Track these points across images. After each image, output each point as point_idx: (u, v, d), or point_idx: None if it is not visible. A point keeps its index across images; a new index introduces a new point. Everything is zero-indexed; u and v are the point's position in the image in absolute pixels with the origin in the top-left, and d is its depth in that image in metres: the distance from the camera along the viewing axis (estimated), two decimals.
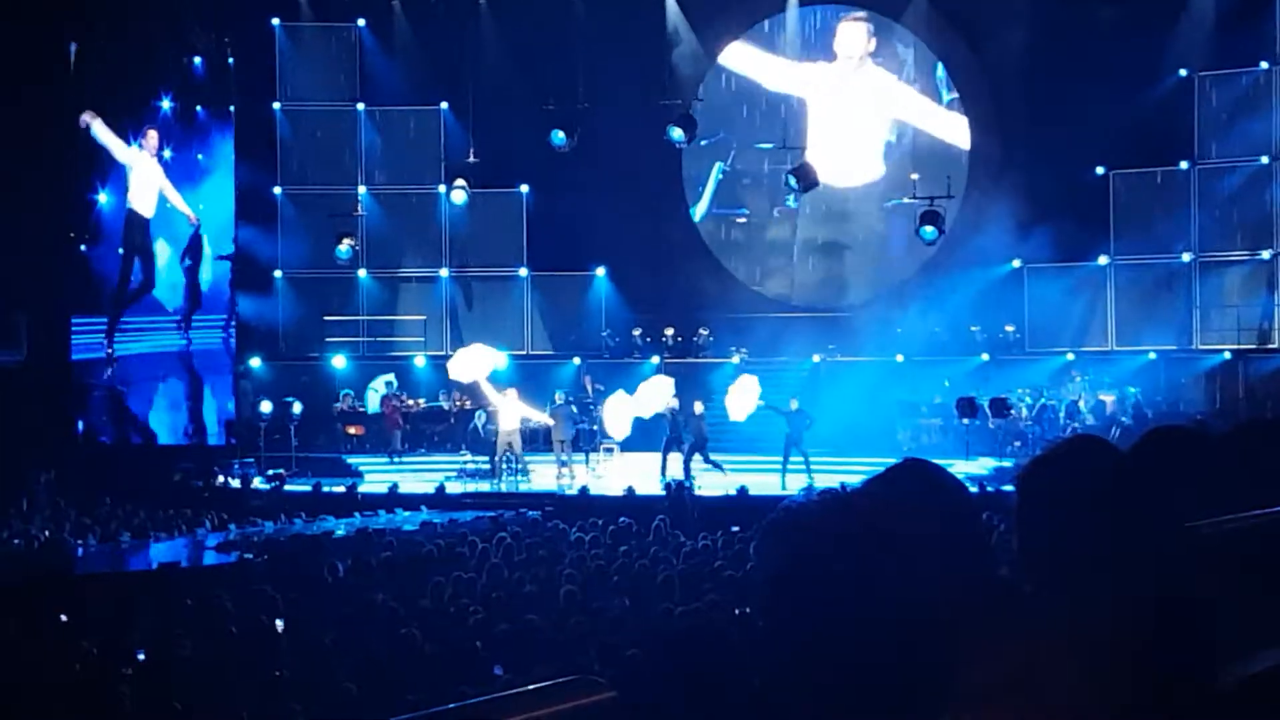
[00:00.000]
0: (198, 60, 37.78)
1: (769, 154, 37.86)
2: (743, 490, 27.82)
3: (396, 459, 33.95)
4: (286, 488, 30.91)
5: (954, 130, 37.36)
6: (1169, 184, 35.23)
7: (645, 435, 33.01)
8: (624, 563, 18.35)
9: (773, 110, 37.90)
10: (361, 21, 37.88)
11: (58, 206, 36.67)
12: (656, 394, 32.23)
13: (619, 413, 32.54)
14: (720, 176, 38.80)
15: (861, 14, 37.73)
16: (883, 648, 2.58)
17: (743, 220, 38.90)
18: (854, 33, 37.68)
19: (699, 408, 31.86)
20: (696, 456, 31.04)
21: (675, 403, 32.07)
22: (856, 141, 37.68)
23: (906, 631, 2.58)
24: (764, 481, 29.17)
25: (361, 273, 37.75)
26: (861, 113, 37.56)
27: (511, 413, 31.86)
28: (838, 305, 37.74)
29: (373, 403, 35.94)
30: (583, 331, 37.71)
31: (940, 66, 37.66)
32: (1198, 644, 2.70)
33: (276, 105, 37.80)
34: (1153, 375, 34.60)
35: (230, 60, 37.62)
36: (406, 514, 28.08)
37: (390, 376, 35.64)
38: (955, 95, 37.48)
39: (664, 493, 27.67)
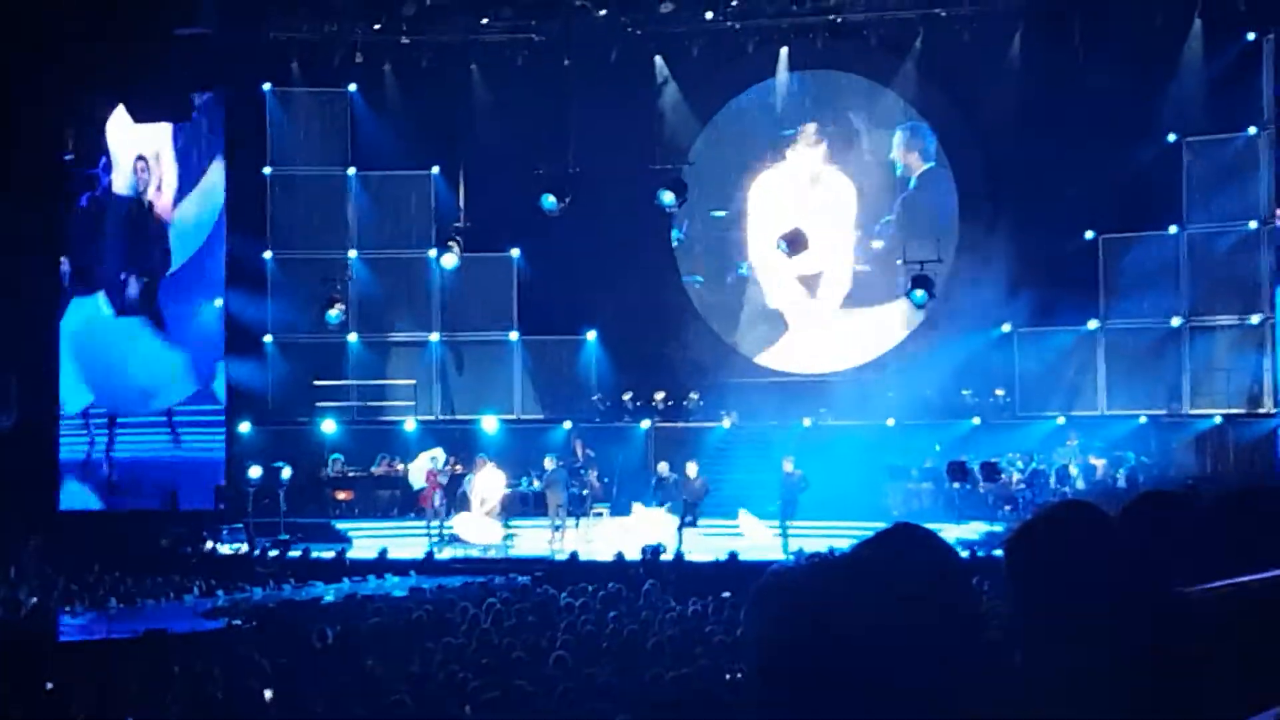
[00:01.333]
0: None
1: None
2: (733, 555, 27.73)
3: (442, 525, 33.18)
4: (273, 554, 30.78)
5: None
6: (1158, 248, 35.30)
7: (638, 500, 32.98)
8: (614, 628, 18.26)
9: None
10: (353, 86, 38.03)
11: (49, 269, 36.64)
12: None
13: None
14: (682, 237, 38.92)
15: (812, 132, 37.87)
16: (872, 712, 2.55)
17: (698, 287, 38.86)
18: (809, 153, 37.84)
19: (692, 470, 31.82)
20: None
21: (664, 467, 32.04)
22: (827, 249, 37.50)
23: (896, 696, 2.55)
24: (754, 546, 29.09)
25: (352, 337, 37.76)
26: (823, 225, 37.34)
27: (488, 484, 31.92)
28: (828, 369, 37.74)
29: (417, 477, 34.44)
30: (573, 395, 37.70)
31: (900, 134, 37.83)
32: (1187, 710, 2.67)
33: (267, 170, 37.90)
34: (1143, 439, 34.58)
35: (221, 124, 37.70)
36: (396, 579, 27.98)
37: (438, 451, 34.56)
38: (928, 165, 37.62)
39: (641, 557, 27.56)
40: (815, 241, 34.64)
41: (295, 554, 30.57)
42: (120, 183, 38.32)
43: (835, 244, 37.48)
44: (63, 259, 37.80)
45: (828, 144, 38.03)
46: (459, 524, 32.30)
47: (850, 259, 37.93)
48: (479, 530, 31.96)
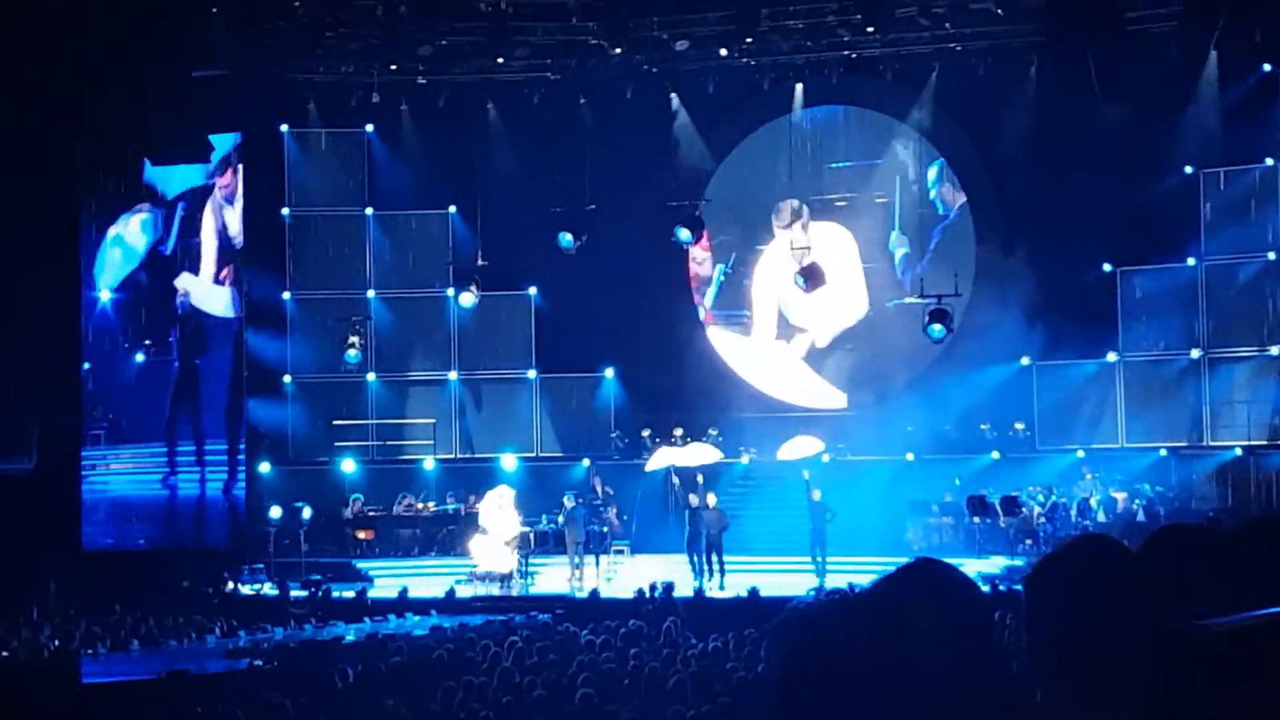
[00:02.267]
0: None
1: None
2: (754, 591, 27.69)
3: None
4: (302, 594, 30.74)
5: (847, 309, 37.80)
6: (1176, 280, 35.24)
7: (657, 537, 32.98)
8: (635, 665, 18.24)
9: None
10: (370, 127, 38.16)
11: (70, 313, 36.76)
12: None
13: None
14: (722, 279, 38.89)
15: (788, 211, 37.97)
16: None
17: (746, 321, 38.92)
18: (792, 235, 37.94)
19: (712, 500, 31.78)
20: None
21: (694, 500, 32.00)
22: (839, 293, 37.53)
23: None
24: (776, 582, 29.03)
25: (370, 376, 37.81)
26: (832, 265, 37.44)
27: (502, 519, 31.89)
28: (847, 404, 37.70)
29: (491, 521, 32.84)
30: (591, 432, 37.68)
31: (935, 169, 37.81)
32: None
33: (285, 210, 38.02)
34: (1164, 472, 34.48)
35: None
36: (416, 618, 27.96)
37: (505, 489, 33.45)
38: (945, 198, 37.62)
39: (648, 594, 27.44)
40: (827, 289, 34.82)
41: (330, 596, 30.50)
42: None
43: (842, 293, 37.53)
44: None
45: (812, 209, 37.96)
46: (474, 548, 32.22)
47: (862, 296, 37.90)
48: (494, 558, 31.86)
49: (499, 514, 32.23)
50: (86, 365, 37.60)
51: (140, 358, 37.93)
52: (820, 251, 36.71)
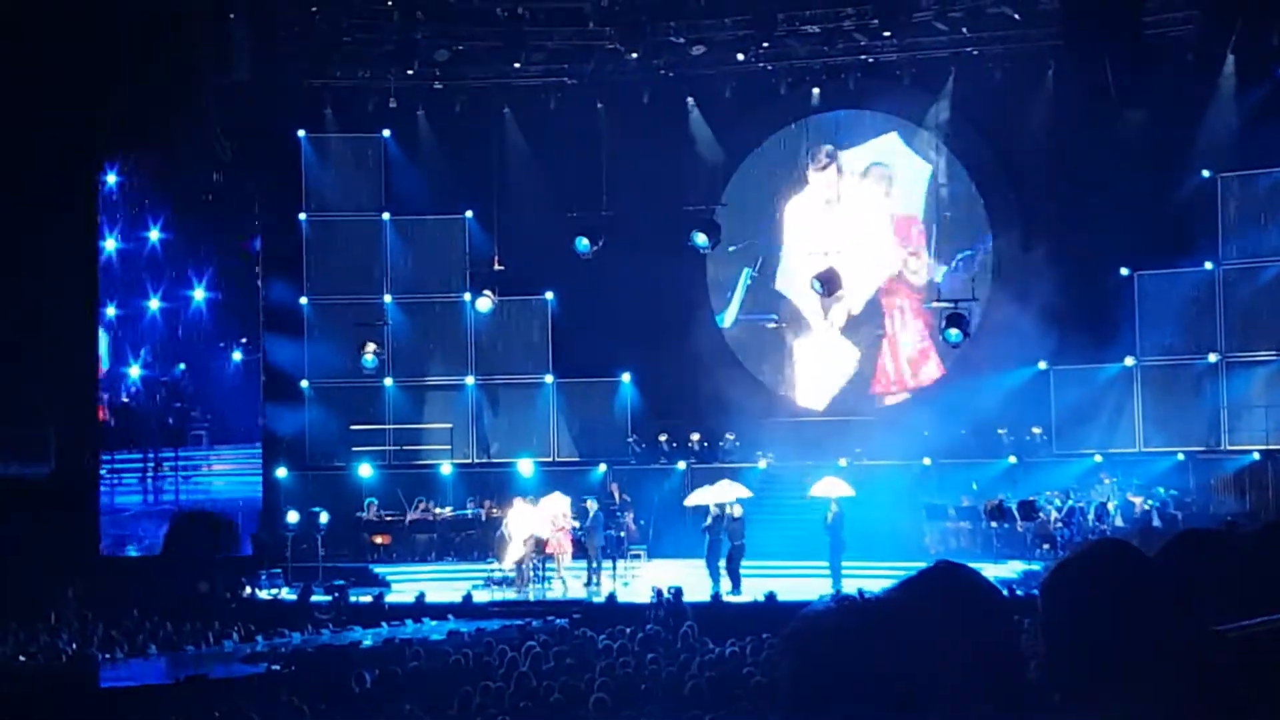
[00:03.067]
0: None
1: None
2: (770, 596, 27.67)
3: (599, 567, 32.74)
4: (325, 599, 30.73)
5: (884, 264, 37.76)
6: (1194, 284, 35.18)
7: (674, 542, 32.98)
8: (652, 670, 18.24)
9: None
10: (386, 132, 38.20)
11: (88, 316, 36.81)
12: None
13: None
14: (749, 282, 38.86)
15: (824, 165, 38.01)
16: None
17: (773, 325, 38.87)
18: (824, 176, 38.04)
19: (738, 511, 31.70)
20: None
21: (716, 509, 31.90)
22: (867, 242, 37.71)
23: None
24: (793, 587, 28.97)
25: (387, 381, 37.84)
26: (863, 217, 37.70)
27: (529, 523, 31.80)
28: (864, 409, 37.65)
29: (543, 527, 32.17)
30: (609, 437, 37.67)
31: (931, 176, 37.85)
32: None
33: (302, 216, 38.08)
34: (1181, 476, 34.39)
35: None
36: (434, 623, 27.96)
37: (558, 497, 32.88)
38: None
39: (654, 599, 27.38)
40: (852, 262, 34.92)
41: (350, 600, 30.50)
42: None
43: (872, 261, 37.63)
44: None
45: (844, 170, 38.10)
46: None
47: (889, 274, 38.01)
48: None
49: (524, 520, 32.01)
50: (142, 370, 37.78)
51: (238, 356, 38.19)
52: (851, 200, 37.06)
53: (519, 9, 35.18)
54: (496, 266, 37.01)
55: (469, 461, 37.72)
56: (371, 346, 36.10)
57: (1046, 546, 32.09)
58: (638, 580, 32.27)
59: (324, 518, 34.11)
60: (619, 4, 35.11)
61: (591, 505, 32.96)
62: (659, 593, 27.31)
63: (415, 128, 38.18)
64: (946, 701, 2.56)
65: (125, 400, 41.31)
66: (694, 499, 32.80)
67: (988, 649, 2.72)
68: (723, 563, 30.93)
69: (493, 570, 32.41)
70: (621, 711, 15.31)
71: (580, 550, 32.43)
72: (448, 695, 16.89)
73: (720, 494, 31.86)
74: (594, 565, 32.18)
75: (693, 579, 30.51)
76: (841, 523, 30.91)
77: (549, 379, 38.18)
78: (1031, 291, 34.99)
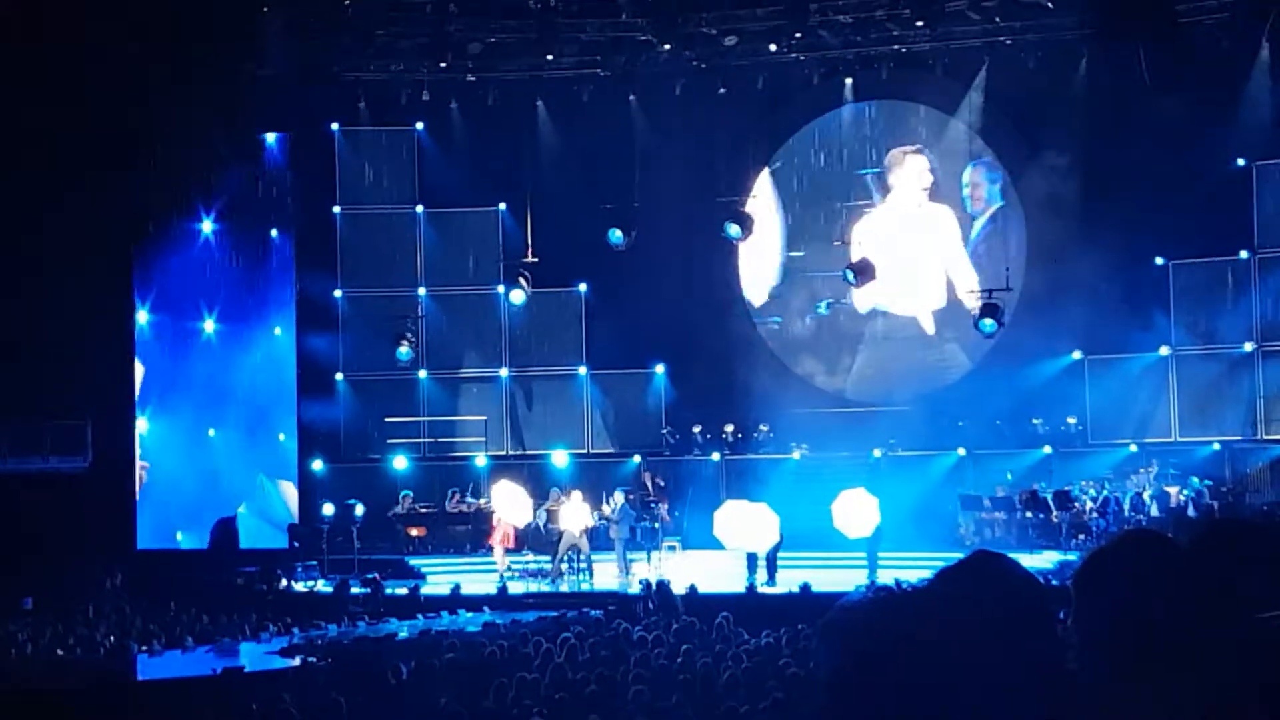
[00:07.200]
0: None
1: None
2: (805, 587, 27.65)
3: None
4: (354, 590, 30.79)
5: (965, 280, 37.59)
6: (1229, 273, 35.04)
7: (708, 533, 32.97)
8: (687, 661, 18.23)
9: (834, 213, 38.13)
10: (420, 124, 38.29)
11: (124, 308, 36.92)
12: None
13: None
14: (826, 312, 38.50)
15: (917, 149, 37.85)
16: None
17: (775, 327, 38.73)
18: (915, 167, 37.80)
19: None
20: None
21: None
22: (919, 277, 37.59)
23: None
24: (828, 578, 28.95)
25: (422, 374, 37.94)
26: (921, 251, 37.54)
27: (575, 515, 31.83)
28: (898, 399, 37.56)
29: (570, 521, 32.34)
30: (643, 429, 37.70)
31: (968, 170, 37.73)
32: None
33: (336, 208, 38.18)
34: (1218, 466, 34.28)
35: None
36: (469, 615, 28.01)
37: (577, 494, 33.03)
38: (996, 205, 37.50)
39: (642, 590, 27.35)
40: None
41: (386, 592, 30.55)
42: None
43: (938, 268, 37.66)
44: None
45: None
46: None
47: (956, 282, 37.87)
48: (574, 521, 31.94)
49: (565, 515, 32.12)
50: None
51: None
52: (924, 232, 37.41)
53: (552, 1, 35.20)
54: (530, 258, 37.06)
55: (504, 453, 37.79)
56: (407, 338, 36.16)
57: (1082, 537, 32.02)
58: (672, 571, 32.22)
59: (359, 510, 34.21)
60: None
61: (618, 498, 32.93)
62: (647, 585, 27.34)
63: (448, 120, 38.25)
64: (985, 693, 2.56)
65: None
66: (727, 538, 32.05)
67: (1027, 639, 2.72)
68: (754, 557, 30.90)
69: (527, 562, 32.44)
70: (657, 703, 15.31)
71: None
72: (483, 687, 16.89)
73: (756, 530, 31.19)
74: (622, 559, 32.14)
75: (728, 570, 30.56)
76: (880, 533, 30.80)
77: (583, 370, 38.23)
78: (1066, 281, 34.88)
